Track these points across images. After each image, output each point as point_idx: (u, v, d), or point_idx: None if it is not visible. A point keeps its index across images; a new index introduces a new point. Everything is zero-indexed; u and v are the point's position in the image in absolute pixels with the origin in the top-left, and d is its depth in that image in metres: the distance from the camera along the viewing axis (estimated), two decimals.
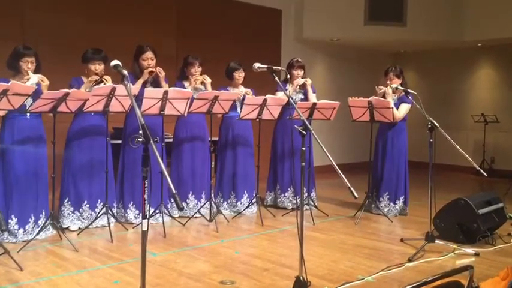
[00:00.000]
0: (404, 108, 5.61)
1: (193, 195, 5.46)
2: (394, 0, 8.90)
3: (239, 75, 5.65)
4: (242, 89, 5.61)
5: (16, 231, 4.32)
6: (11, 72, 4.35)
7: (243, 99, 5.37)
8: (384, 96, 5.57)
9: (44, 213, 4.52)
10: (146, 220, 2.40)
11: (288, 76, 5.86)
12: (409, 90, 4.86)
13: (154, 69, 5.03)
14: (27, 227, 4.37)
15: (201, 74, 5.40)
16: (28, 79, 4.22)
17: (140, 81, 4.99)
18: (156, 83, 5.13)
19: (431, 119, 4.22)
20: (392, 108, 5.48)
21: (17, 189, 4.33)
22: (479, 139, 9.90)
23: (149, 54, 5.08)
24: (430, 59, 10.76)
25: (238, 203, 5.70)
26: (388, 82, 5.63)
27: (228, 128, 5.73)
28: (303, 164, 3.10)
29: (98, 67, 4.77)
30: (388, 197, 5.70)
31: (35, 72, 4.33)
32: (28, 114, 4.31)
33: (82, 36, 6.13)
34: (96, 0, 6.54)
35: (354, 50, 10.15)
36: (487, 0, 8.79)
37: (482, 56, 10.10)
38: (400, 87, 5.28)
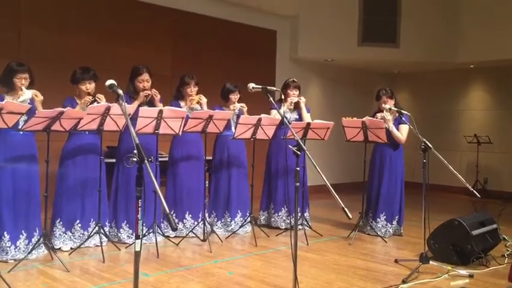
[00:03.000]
0: (405, 129, 5.60)
1: (190, 215, 5.43)
2: (387, 22, 9.03)
3: (235, 97, 5.68)
4: (237, 105, 5.63)
5: (8, 248, 4.27)
6: (4, 88, 4.34)
7: (238, 117, 5.40)
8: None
9: (37, 231, 4.47)
10: (139, 240, 2.39)
11: (283, 97, 5.89)
12: (403, 111, 4.89)
13: (149, 93, 5.04)
14: (18, 243, 4.32)
15: (197, 94, 5.43)
16: (22, 94, 4.22)
17: (135, 104, 5.00)
18: (150, 104, 5.14)
19: (424, 139, 4.24)
20: (395, 131, 5.51)
21: (8, 207, 4.28)
22: (472, 160, 9.95)
23: (145, 76, 5.09)
24: (423, 80, 10.87)
25: (232, 222, 5.68)
26: (383, 105, 5.61)
27: (223, 147, 5.74)
28: (297, 184, 3.10)
29: (89, 86, 4.75)
30: (385, 217, 5.69)
31: (28, 87, 4.33)
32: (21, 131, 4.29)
33: (78, 54, 6.16)
34: (92, 19, 6.58)
35: (348, 71, 10.25)
36: (479, 23, 8.93)
37: (475, 78, 10.21)
38: (393, 108, 5.32)
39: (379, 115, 5.60)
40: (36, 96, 4.32)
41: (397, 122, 5.63)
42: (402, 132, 5.61)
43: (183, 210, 5.41)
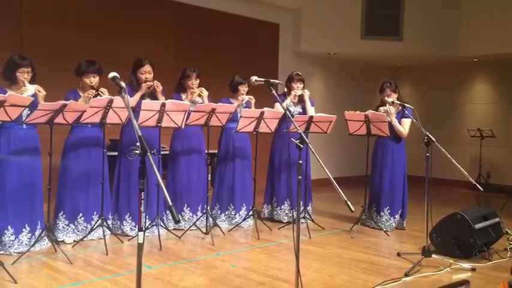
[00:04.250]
0: (408, 123, 5.61)
1: (189, 208, 5.44)
2: (390, 15, 8.99)
3: (244, 89, 5.68)
4: (245, 97, 5.63)
5: (11, 242, 4.29)
6: (6, 82, 4.33)
7: (245, 107, 5.40)
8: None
9: (39, 224, 4.49)
10: (142, 233, 2.39)
11: (286, 90, 5.88)
12: (406, 105, 4.88)
13: (152, 83, 5.05)
14: (21, 237, 4.33)
15: (198, 86, 5.42)
16: (25, 90, 4.22)
17: (138, 95, 5.00)
18: (153, 97, 5.14)
19: (427, 133, 4.23)
20: (397, 125, 5.51)
21: (12, 200, 4.29)
22: (475, 154, 9.93)
23: (147, 67, 5.10)
24: (427, 73, 10.83)
25: (237, 215, 5.69)
26: (386, 98, 5.60)
27: (229, 140, 5.73)
28: (300, 177, 3.10)
29: (93, 80, 4.75)
30: (389, 211, 5.69)
31: (31, 81, 4.32)
32: (24, 125, 4.28)
33: (80, 49, 6.13)
34: (94, 15, 6.57)
35: (351, 64, 10.21)
36: (482, 16, 8.88)
37: (478, 71, 10.17)
38: (396, 101, 5.31)
39: (382, 109, 5.60)
40: (39, 91, 4.32)
41: (400, 116, 5.62)
42: (404, 126, 5.61)
43: (182, 203, 5.42)
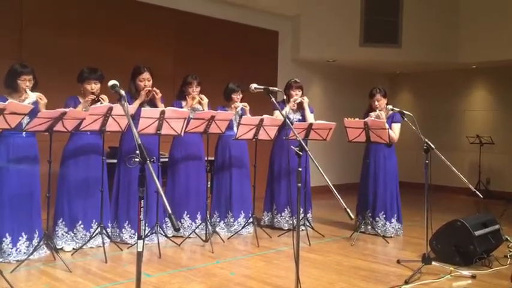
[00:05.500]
0: (398, 128, 5.71)
1: (188, 215, 5.44)
2: (389, 22, 9.03)
3: (237, 97, 5.69)
4: (239, 104, 5.63)
5: (10, 250, 4.27)
6: (7, 90, 4.34)
7: (240, 117, 5.41)
8: None
9: (37, 232, 4.47)
10: (141, 241, 2.39)
11: (285, 97, 5.89)
12: (405, 112, 4.90)
13: (150, 89, 5.05)
14: (19, 246, 4.32)
15: (199, 94, 5.44)
16: (26, 98, 4.22)
17: (137, 102, 5.01)
18: (152, 104, 5.15)
19: (426, 140, 4.24)
20: (388, 130, 5.54)
21: (10, 208, 4.28)
22: (474, 160, 9.93)
23: (146, 75, 5.11)
24: (425, 80, 10.86)
25: (235, 222, 5.68)
26: (376, 103, 5.71)
27: (225, 148, 5.74)
28: (299, 184, 3.10)
29: (95, 86, 4.77)
30: (384, 216, 5.69)
31: (32, 89, 4.34)
32: (24, 133, 4.29)
33: (80, 55, 6.17)
34: (95, 20, 6.59)
35: (350, 71, 10.24)
36: (481, 23, 8.92)
37: (477, 78, 10.20)
38: (395, 108, 5.33)
39: (372, 114, 5.63)
40: (40, 99, 4.33)
41: (390, 121, 5.68)
42: (395, 131, 5.69)
43: (181, 210, 5.41)
